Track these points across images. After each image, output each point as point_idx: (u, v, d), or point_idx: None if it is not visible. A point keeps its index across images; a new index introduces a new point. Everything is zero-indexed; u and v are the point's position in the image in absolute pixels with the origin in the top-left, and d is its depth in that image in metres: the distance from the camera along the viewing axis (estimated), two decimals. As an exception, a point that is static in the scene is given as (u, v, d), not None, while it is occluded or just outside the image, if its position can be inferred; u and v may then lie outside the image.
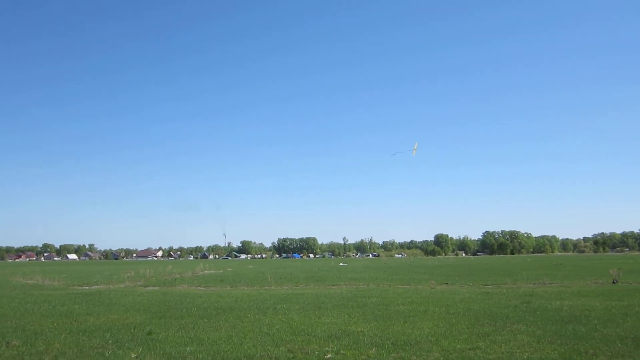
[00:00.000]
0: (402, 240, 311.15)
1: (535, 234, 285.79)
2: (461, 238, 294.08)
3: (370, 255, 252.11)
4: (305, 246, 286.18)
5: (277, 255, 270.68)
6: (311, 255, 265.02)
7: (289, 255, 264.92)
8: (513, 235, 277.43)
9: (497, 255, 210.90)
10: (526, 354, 10.41)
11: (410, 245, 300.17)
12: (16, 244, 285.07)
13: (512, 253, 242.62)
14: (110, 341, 12.34)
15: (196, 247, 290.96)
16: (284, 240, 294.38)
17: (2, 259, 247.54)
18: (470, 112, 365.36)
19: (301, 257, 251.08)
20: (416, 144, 26.87)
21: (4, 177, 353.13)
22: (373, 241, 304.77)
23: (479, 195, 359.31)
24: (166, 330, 13.89)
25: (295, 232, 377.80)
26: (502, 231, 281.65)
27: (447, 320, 15.21)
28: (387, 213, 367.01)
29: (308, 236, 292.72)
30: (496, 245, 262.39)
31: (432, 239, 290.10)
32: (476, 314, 16.44)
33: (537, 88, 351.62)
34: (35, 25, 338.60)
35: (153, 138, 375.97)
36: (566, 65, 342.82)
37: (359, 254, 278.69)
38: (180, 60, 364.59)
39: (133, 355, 10.69)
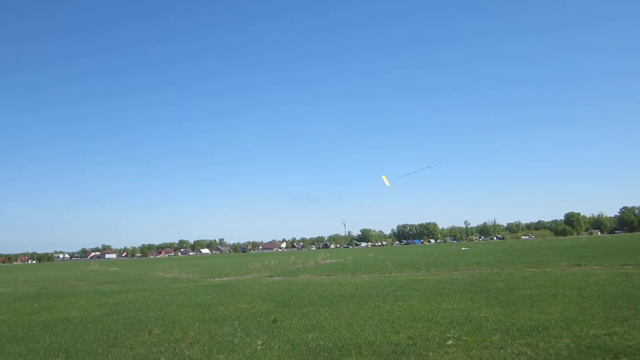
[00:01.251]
0: (528, 221, 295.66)
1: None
2: (595, 216, 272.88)
3: (494, 238, 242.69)
4: (426, 232, 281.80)
5: (397, 242, 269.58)
6: (432, 241, 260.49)
7: (409, 241, 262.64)
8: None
9: (638, 233, 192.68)
10: (672, 339, 9.45)
11: (538, 226, 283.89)
12: (156, 241, 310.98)
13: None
14: (238, 329, 13.07)
15: (318, 238, 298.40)
16: (404, 226, 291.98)
17: (145, 255, 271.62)
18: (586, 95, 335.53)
19: (421, 242, 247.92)
20: (385, 178, 25.20)
21: (144, 184, 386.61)
22: (497, 223, 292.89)
23: (614, 168, 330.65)
24: (290, 318, 14.41)
25: (415, 218, 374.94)
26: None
27: (580, 304, 14.22)
28: (512, 193, 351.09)
29: (428, 221, 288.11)
30: (637, 221, 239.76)
31: (562, 218, 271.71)
32: (613, 297, 15.19)
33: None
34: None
35: (272, 134, 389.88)
36: None
37: (482, 237, 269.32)
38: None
39: (259, 342, 11.23)
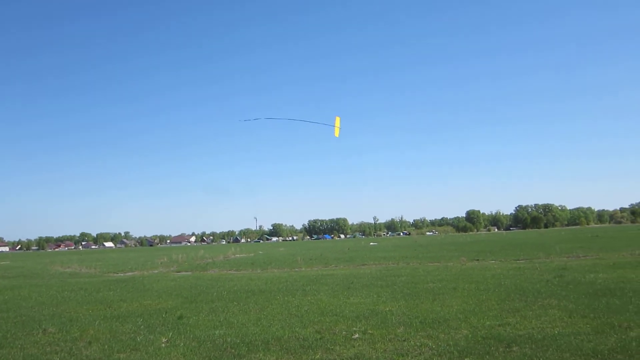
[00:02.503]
0: (433, 218, 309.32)
1: (570, 206, 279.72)
2: (493, 213, 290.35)
3: (401, 234, 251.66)
4: (336, 227, 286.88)
5: (308, 237, 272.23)
6: (342, 236, 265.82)
7: (320, 236, 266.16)
8: (547, 208, 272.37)
9: (530, 230, 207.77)
10: (557, 328, 10.22)
11: (442, 222, 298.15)
12: (55, 233, 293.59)
13: (546, 227, 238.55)
14: (142, 326, 12.58)
15: (228, 232, 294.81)
16: (315, 221, 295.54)
17: (42, 248, 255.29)
18: (497, 88, 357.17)
19: (332, 237, 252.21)
20: (337, 120, 23.47)
21: (40, 168, 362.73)
22: (404, 219, 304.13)
23: (511, 169, 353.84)
24: (197, 315, 14.10)
25: (326, 214, 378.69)
26: (535, 205, 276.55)
27: (477, 296, 15.05)
28: (418, 191, 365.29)
29: (338, 217, 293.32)
30: (529, 219, 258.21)
31: (464, 215, 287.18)
32: (507, 290, 16.22)
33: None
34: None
35: (181, 123, 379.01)
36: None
37: (389, 233, 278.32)
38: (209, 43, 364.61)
39: (164, 340, 10.87)
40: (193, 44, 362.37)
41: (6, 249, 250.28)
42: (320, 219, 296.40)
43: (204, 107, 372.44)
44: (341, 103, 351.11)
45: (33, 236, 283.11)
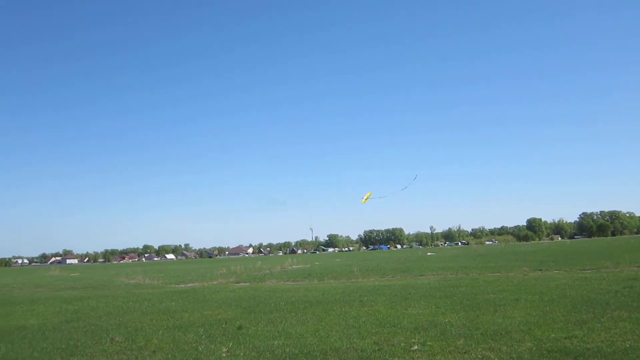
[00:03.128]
0: (492, 227, 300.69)
1: (639, 212, 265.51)
2: (556, 221, 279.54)
3: (459, 244, 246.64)
4: (392, 237, 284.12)
5: (364, 248, 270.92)
6: (398, 246, 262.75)
7: (376, 247, 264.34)
8: (614, 215, 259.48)
9: (596, 238, 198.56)
10: (628, 342, 9.73)
11: (501, 231, 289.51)
12: (120, 246, 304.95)
13: (613, 235, 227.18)
14: (203, 336, 12.88)
15: (285, 243, 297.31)
16: (370, 232, 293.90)
17: (108, 260, 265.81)
18: (557, 89, 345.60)
19: (388, 248, 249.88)
20: (368, 194, 24.48)
21: (107, 184, 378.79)
22: (461, 229, 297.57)
23: (575, 174, 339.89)
24: (255, 325, 14.29)
25: (382, 224, 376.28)
26: (601, 212, 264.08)
27: (541, 308, 14.53)
28: (476, 199, 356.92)
29: (394, 227, 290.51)
30: (595, 227, 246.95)
31: (525, 224, 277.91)
32: (573, 301, 15.57)
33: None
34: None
35: (238, 139, 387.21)
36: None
37: (447, 242, 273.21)
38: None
39: (224, 350, 11.09)
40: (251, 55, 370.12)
41: (75, 261, 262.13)
42: (376, 229, 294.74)
43: (256, 121, 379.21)
44: (405, 116, 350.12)
45: (100, 249, 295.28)
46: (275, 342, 11.56)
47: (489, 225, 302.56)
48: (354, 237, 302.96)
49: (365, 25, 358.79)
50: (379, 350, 10.29)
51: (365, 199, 23.76)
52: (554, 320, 12.42)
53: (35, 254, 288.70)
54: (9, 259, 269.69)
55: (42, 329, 15.66)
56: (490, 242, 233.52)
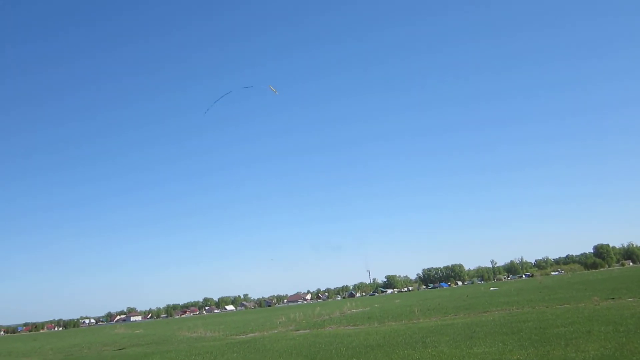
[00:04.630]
0: (556, 256, 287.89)
1: None
2: (625, 246, 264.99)
3: (523, 276, 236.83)
4: (452, 274, 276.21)
5: (424, 287, 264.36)
6: (459, 283, 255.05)
7: (436, 285, 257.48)
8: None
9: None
10: None
11: (567, 260, 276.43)
12: (181, 301, 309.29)
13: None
14: (265, 387, 12.79)
15: (342, 287, 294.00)
16: (429, 270, 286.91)
17: (170, 315, 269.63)
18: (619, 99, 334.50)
19: (449, 285, 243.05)
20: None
21: (166, 243, 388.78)
22: (524, 260, 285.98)
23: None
24: (317, 373, 14.09)
25: (440, 261, 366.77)
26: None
27: (616, 340, 13.70)
28: (537, 229, 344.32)
29: (454, 263, 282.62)
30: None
31: (592, 251, 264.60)
32: (651, 330, 14.63)
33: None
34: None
35: (291, 184, 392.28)
36: None
37: (510, 276, 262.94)
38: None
39: (287, 400, 10.96)
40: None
41: (139, 318, 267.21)
42: (434, 266, 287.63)
43: (308, 165, 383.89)
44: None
45: (162, 304, 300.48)
46: (338, 390, 11.34)
47: (553, 255, 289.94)
48: (413, 277, 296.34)
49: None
50: (445, 393, 9.92)
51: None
52: (632, 352, 11.69)
53: (102, 313, 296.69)
54: (77, 319, 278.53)
55: (110, 387, 15.95)
56: (556, 273, 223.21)
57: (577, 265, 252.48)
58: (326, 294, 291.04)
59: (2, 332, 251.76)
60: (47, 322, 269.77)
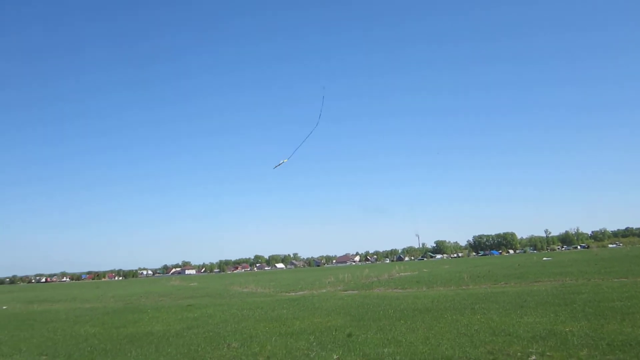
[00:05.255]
0: (615, 228, 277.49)
1: None
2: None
3: (578, 247, 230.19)
4: (503, 242, 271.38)
5: (474, 254, 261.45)
6: (510, 251, 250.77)
7: (486, 252, 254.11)
8: None
9: None
10: None
11: (626, 233, 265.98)
12: (233, 257, 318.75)
13: None
14: (314, 343, 13.13)
15: (391, 250, 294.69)
16: (480, 237, 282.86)
17: (223, 270, 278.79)
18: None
19: (499, 253, 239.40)
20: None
21: (217, 200, 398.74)
22: (580, 231, 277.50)
23: None
24: (365, 332, 14.33)
25: (492, 228, 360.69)
26: None
27: (677, 316, 13.22)
28: (596, 199, 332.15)
29: (505, 231, 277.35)
30: None
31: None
32: None
33: None
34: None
35: (341, 146, 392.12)
36: None
37: (564, 246, 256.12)
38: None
39: (335, 357, 11.23)
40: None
41: (193, 272, 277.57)
42: (485, 234, 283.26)
43: (361, 130, 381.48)
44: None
45: (215, 260, 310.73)
46: (385, 350, 11.52)
47: (611, 227, 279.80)
48: (463, 243, 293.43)
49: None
50: (493, 359, 9.91)
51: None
52: (693, 330, 11.26)
53: (158, 265, 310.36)
54: (136, 270, 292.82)
55: (166, 334, 16.79)
56: (614, 245, 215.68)
57: (637, 239, 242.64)
58: (374, 256, 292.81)
59: (67, 279, 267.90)
60: (108, 271, 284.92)
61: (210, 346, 13.78)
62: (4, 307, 39.06)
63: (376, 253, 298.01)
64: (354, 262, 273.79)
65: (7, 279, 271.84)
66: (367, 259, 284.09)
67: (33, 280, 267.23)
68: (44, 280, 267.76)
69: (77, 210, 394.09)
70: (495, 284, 31.03)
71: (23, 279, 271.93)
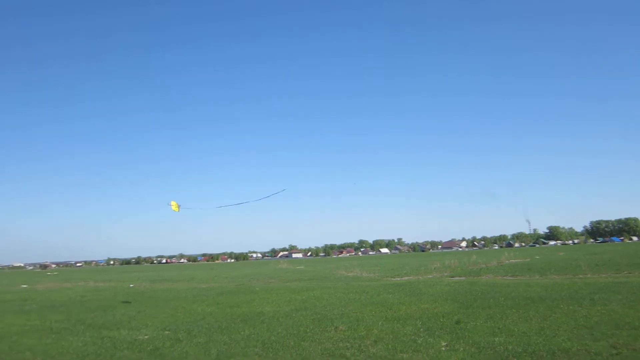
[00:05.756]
0: None
1: None
2: None
3: None
4: (625, 228, 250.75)
5: (591, 240, 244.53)
6: (634, 238, 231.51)
7: (606, 239, 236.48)
8: None
9: None
10: None
11: None
12: (338, 241, 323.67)
13: None
14: (421, 329, 13.03)
15: (500, 236, 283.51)
16: (598, 222, 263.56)
17: (328, 254, 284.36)
18: None
19: (621, 240, 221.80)
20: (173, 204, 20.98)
21: (323, 187, 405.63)
22: None
23: None
24: (474, 320, 13.96)
25: (611, 213, 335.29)
26: None
27: None
28: None
29: (627, 216, 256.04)
30: None
31: None
32: None
33: None
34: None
35: (445, 126, 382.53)
36: None
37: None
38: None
39: (443, 343, 11.07)
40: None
41: (299, 255, 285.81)
42: (604, 219, 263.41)
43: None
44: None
45: (320, 244, 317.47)
46: (496, 339, 11.16)
47: None
48: (579, 229, 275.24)
49: None
50: (617, 354, 9.27)
51: (175, 207, 21.49)
52: None
53: (267, 249, 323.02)
54: (246, 253, 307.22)
55: (276, 315, 17.46)
56: None
57: None
58: (482, 242, 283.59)
59: (184, 260, 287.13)
60: (221, 253, 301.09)
61: (319, 328, 14.14)
62: (131, 285, 42.62)
63: (484, 239, 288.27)
64: (460, 247, 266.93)
65: (133, 260, 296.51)
66: (474, 245, 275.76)
67: (155, 261, 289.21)
68: (164, 261, 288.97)
69: (194, 197, 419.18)
70: (617, 273, 28.88)
71: (146, 260, 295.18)
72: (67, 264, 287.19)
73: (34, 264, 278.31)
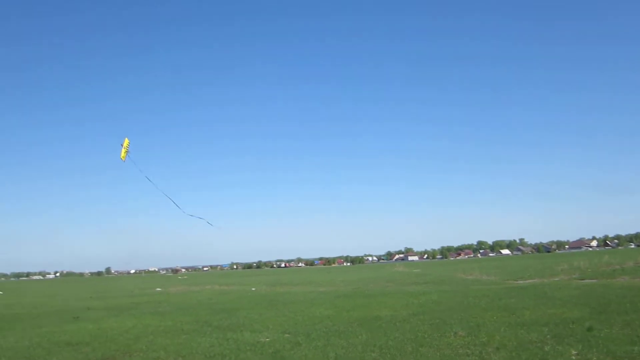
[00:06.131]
0: None
1: None
2: None
3: None
4: None
5: None
6: None
7: None
8: None
9: None
10: None
11: None
12: (455, 243, 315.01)
13: None
14: (548, 336, 12.26)
15: (636, 234, 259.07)
16: None
17: (445, 257, 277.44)
18: None
19: None
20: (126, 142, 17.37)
21: (435, 187, 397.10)
22: None
23: None
24: (608, 327, 12.88)
25: None
26: None
27: None
28: None
29: None
30: None
31: None
32: None
33: None
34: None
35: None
36: None
37: None
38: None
39: (573, 352, 10.34)
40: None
41: (416, 258, 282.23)
42: None
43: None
44: None
45: (437, 246, 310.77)
46: (635, 348, 10.22)
47: None
48: None
49: None
50: None
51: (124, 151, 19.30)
52: None
53: (382, 252, 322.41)
54: (362, 256, 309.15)
55: (393, 319, 17.32)
56: None
57: None
58: (615, 240, 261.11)
59: (302, 264, 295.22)
60: (337, 257, 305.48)
61: (437, 333, 13.82)
62: (253, 289, 44.57)
63: (617, 237, 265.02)
64: (590, 247, 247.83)
65: (255, 264, 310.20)
66: (606, 244, 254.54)
67: (274, 265, 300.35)
68: (283, 265, 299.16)
69: (308, 202, 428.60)
70: None
71: (266, 264, 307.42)
72: (195, 269, 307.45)
73: (166, 269, 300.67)
